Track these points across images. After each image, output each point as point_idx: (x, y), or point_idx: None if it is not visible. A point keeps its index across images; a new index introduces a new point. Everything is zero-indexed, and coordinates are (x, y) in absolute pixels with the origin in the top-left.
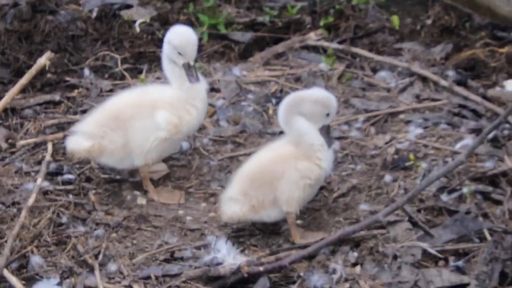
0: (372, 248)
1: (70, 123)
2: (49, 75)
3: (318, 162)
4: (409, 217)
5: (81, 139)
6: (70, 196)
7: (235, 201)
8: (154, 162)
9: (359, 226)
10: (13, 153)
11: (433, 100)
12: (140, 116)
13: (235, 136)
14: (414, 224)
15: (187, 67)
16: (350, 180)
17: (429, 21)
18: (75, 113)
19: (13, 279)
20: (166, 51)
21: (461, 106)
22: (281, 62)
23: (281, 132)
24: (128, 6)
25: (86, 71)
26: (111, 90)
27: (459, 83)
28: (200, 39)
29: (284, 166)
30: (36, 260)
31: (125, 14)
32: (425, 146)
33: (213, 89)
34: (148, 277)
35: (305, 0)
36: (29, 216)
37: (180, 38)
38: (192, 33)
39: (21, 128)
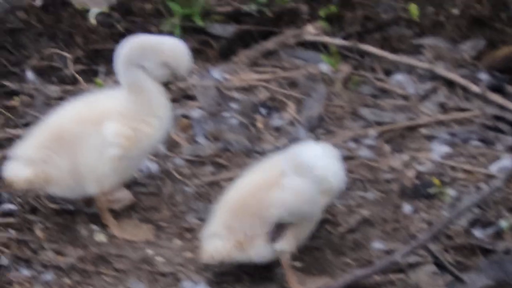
0: None
1: (10, 140)
2: None
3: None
4: (434, 258)
5: (20, 166)
6: (11, 231)
7: (217, 237)
8: (111, 188)
9: (371, 269)
10: None
11: (462, 110)
12: (87, 133)
13: (215, 155)
14: (441, 267)
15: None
16: (360, 211)
17: (456, 11)
18: (15, 127)
19: None
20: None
21: (497, 117)
22: (271, 62)
23: (273, 150)
24: None
25: (29, 74)
26: (60, 98)
27: (494, 88)
28: (170, 33)
29: (274, 191)
30: None
31: (77, 2)
32: (453, 168)
33: (187, 97)
34: None
35: None
36: None
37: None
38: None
39: None
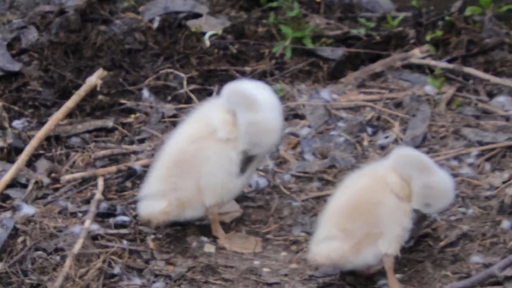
0: None
1: (125, 155)
2: (100, 96)
3: None
4: None
5: (152, 201)
6: (124, 242)
7: (333, 238)
8: (226, 198)
9: (470, 281)
10: (56, 189)
11: None
12: (204, 149)
13: (322, 172)
14: None
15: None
16: (460, 226)
17: None
18: (131, 143)
19: None
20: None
21: None
22: (378, 83)
23: None
24: (196, 16)
25: (145, 93)
26: (174, 116)
27: None
28: (282, 56)
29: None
30: None
31: (193, 24)
32: None
33: (296, 116)
34: None
35: (408, 10)
36: (75, 266)
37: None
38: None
39: (66, 160)
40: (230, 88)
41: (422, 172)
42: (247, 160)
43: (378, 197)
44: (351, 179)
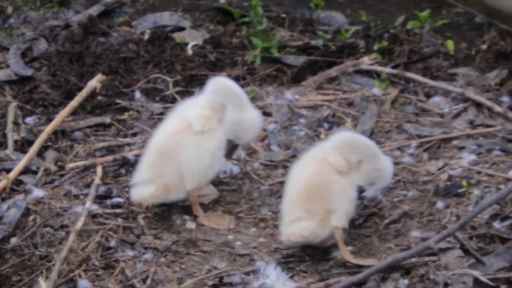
0: (423, 276)
1: (120, 146)
2: (99, 97)
3: None
4: (461, 244)
5: (142, 187)
6: (119, 219)
7: (301, 219)
8: (203, 182)
9: (410, 253)
10: (62, 176)
11: (487, 126)
12: (182, 141)
13: (286, 160)
14: (466, 251)
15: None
16: (402, 206)
17: (484, 46)
18: (125, 136)
19: None
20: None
21: None
22: (334, 86)
23: None
24: (181, 29)
25: (137, 94)
26: (162, 113)
27: None
28: (252, 63)
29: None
30: (83, 284)
31: (178, 36)
32: (478, 172)
33: (265, 113)
34: None
35: (359, 24)
36: (77, 240)
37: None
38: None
39: (70, 150)
40: (220, 84)
41: (372, 156)
42: (232, 148)
43: (328, 178)
44: (298, 169)
